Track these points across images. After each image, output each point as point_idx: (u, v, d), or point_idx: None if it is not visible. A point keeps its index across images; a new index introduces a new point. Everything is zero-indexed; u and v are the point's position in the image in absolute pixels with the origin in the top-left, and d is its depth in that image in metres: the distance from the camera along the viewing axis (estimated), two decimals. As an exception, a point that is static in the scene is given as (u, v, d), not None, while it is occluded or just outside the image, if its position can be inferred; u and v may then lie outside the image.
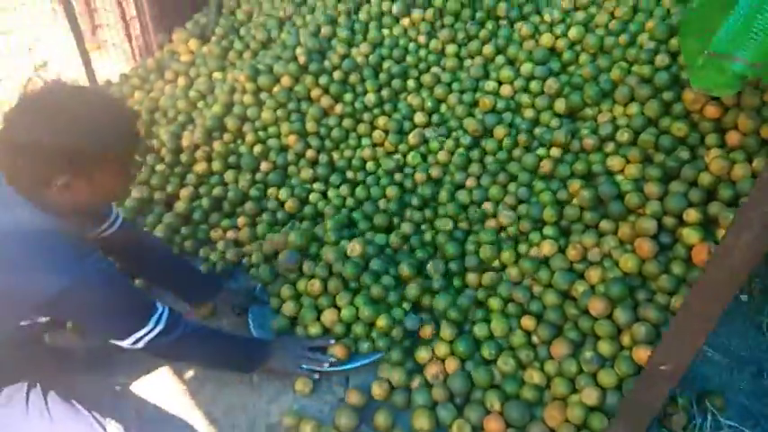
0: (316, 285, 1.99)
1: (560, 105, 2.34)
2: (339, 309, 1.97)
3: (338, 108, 2.56)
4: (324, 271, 2.02)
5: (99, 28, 3.70)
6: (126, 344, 1.44)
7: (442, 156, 2.37)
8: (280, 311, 2.02)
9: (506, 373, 1.79)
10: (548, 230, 2.05)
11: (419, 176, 2.35)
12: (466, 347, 1.84)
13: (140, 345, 1.45)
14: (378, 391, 1.79)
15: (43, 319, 1.39)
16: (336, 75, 2.60)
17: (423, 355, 1.87)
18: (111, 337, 1.45)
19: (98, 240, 1.70)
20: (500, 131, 2.35)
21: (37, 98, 1.28)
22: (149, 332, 1.44)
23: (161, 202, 2.41)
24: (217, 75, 2.80)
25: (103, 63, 3.62)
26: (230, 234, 2.31)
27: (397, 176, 2.40)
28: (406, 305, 1.97)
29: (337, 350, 1.85)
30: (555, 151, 2.24)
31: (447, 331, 1.88)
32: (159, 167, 2.49)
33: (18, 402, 1.50)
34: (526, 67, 2.47)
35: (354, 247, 2.07)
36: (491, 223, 2.16)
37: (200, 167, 2.50)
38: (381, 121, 2.52)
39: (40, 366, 1.61)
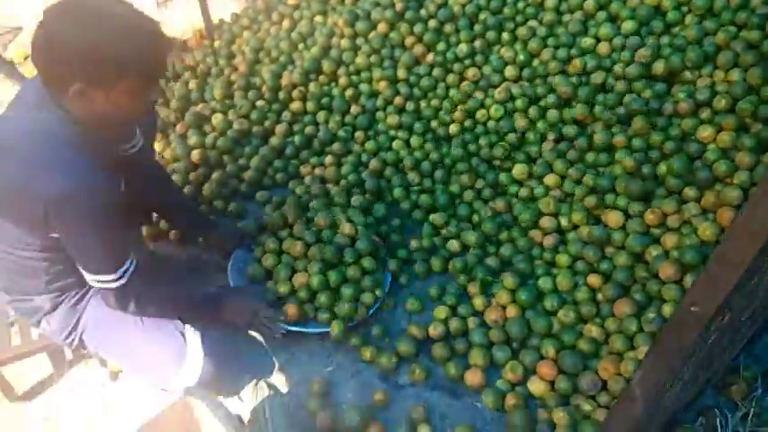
0: (297, 247, 2.03)
1: (659, 67, 2.26)
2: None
3: (430, 57, 2.61)
4: (312, 236, 2.05)
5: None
6: (92, 280, 1.47)
7: (521, 122, 2.38)
8: (260, 261, 2.07)
9: (565, 324, 1.84)
10: (620, 201, 2.02)
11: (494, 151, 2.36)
12: (528, 297, 1.90)
13: (105, 286, 1.47)
14: (433, 332, 1.89)
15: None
16: (431, 23, 2.64)
17: (478, 302, 1.95)
18: (83, 264, 1.45)
19: (117, 158, 1.67)
20: (580, 110, 2.31)
21: (75, 1, 1.28)
22: (111, 281, 1.46)
23: (258, 136, 2.59)
24: (318, 18, 2.92)
25: (218, 2, 3.84)
26: (317, 171, 2.45)
27: (472, 146, 2.42)
28: (378, 292, 1.97)
29: (290, 309, 1.88)
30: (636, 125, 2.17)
31: (510, 280, 1.94)
32: (259, 103, 2.66)
33: None
34: (627, 26, 2.39)
35: (344, 227, 2.09)
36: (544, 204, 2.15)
37: (295, 106, 2.65)
38: (471, 72, 2.54)
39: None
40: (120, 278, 1.47)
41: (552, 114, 2.35)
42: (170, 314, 1.70)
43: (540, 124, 2.37)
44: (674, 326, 0.88)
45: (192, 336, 1.69)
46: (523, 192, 2.23)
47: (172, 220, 2.17)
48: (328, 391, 1.79)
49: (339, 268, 1.98)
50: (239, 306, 1.82)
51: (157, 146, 2.56)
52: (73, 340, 1.68)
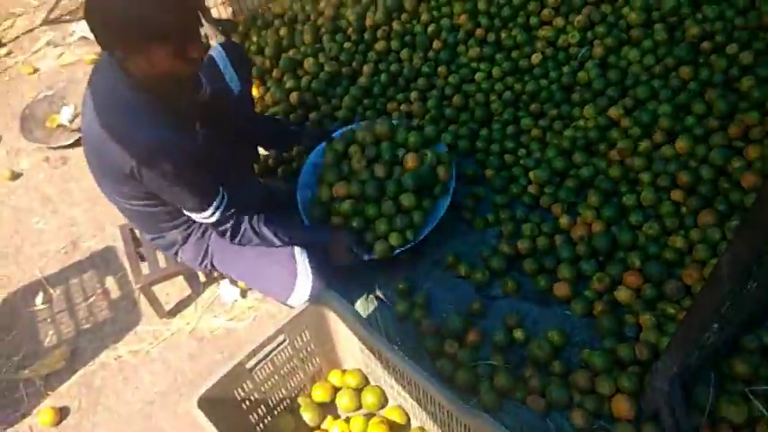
0: (354, 159, 2.16)
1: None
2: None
3: (510, -14, 2.67)
4: (372, 151, 2.16)
5: None
6: (202, 217, 1.67)
7: (598, 49, 2.42)
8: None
9: (650, 237, 1.95)
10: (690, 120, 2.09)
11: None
12: (612, 212, 2.01)
13: (214, 218, 1.67)
14: (521, 246, 2.05)
15: None
16: (510, -48, 2.67)
17: (563, 221, 2.07)
18: (189, 207, 1.64)
19: (196, 106, 1.77)
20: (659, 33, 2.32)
21: None
22: (219, 206, 1.66)
23: (347, 76, 2.75)
24: (397, -43, 2.99)
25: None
26: (404, 107, 2.60)
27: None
28: (409, 234, 2.01)
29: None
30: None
31: (593, 198, 2.06)
32: (347, 45, 2.81)
33: None
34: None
35: (407, 159, 2.11)
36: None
37: (380, 45, 2.78)
38: (552, -1, 2.59)
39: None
40: (211, 215, 1.66)
41: (634, 35, 2.38)
42: (270, 245, 1.84)
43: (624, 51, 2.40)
44: (761, 204, 0.98)
45: (300, 255, 1.88)
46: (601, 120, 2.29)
47: (266, 140, 2.36)
48: (430, 302, 2.01)
49: (376, 204, 2.04)
50: (339, 246, 1.97)
51: (256, 91, 2.78)
52: (206, 265, 1.95)
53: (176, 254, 1.95)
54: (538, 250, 2.05)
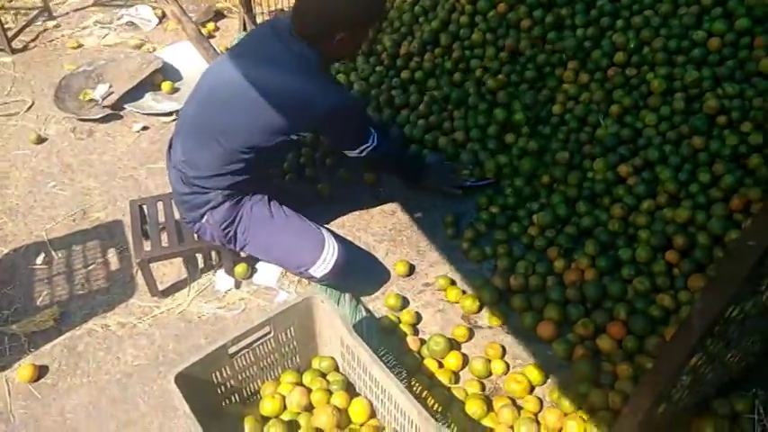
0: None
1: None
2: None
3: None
4: None
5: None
6: (353, 153, 2.07)
7: (615, 108, 2.51)
8: None
9: (639, 292, 1.98)
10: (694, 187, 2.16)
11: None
12: (607, 263, 2.05)
13: (363, 154, 2.07)
14: (513, 282, 2.10)
15: (306, 135, 1.99)
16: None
17: (558, 264, 2.12)
18: (347, 147, 2.08)
19: None
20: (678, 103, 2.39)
21: None
22: (368, 146, 2.05)
23: (375, 98, 2.84)
24: (440, -6, 3.11)
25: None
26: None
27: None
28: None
29: None
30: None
31: (591, 247, 2.11)
32: (379, 68, 2.92)
33: (264, 204, 2.06)
34: (741, 23, 2.44)
35: None
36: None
37: (406, 74, 2.88)
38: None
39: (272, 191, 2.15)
40: (372, 142, 2.06)
41: (653, 101, 2.45)
42: (398, 171, 2.45)
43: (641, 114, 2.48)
44: (731, 258, 1.02)
45: (328, 233, 2.06)
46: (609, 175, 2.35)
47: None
48: (416, 322, 2.05)
49: None
50: (441, 169, 2.48)
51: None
52: (228, 232, 2.04)
53: (203, 215, 2.02)
54: (529, 288, 2.09)
